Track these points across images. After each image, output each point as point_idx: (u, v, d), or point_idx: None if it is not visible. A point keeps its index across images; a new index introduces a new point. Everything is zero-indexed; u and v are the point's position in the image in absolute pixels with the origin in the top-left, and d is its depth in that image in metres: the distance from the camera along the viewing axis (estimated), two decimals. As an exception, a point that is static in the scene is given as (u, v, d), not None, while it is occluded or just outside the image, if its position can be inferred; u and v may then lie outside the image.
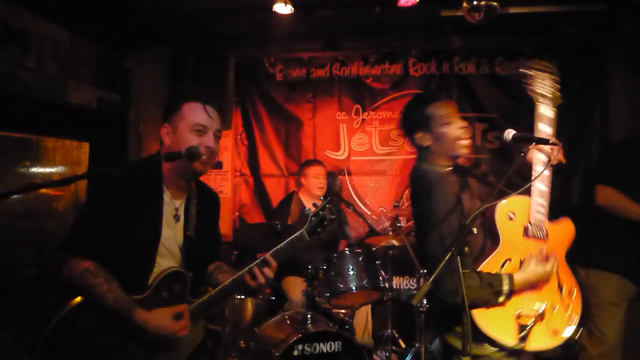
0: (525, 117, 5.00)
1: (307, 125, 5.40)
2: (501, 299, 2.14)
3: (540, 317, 2.19)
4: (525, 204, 2.28)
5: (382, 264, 3.94)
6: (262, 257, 2.14)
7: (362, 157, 5.34)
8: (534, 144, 2.21)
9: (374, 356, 4.14)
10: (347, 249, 3.79)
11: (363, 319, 4.27)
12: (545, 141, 2.20)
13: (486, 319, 2.17)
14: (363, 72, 5.32)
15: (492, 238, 2.31)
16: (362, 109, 5.33)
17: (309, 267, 3.70)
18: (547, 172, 2.26)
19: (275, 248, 2.17)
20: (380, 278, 3.78)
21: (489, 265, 2.22)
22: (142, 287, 2.07)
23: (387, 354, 4.03)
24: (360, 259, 3.68)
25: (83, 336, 1.98)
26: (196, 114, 2.11)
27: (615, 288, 3.26)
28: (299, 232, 2.19)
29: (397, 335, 4.33)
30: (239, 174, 5.53)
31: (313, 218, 2.21)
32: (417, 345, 3.91)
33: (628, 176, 3.14)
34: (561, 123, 5.14)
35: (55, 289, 2.13)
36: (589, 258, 3.36)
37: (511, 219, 2.27)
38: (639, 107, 4.71)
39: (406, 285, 5.05)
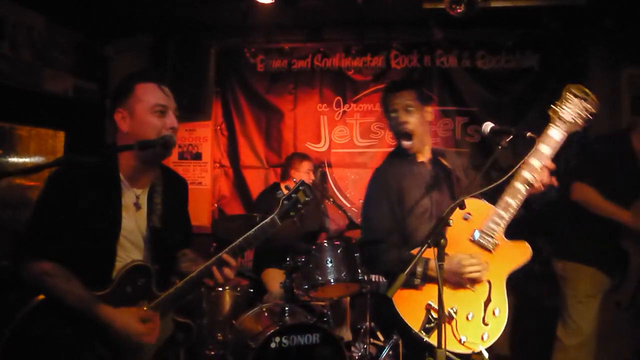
0: (505, 111, 5.09)
1: (288, 117, 5.36)
2: (417, 281, 2.18)
3: (449, 318, 2.18)
4: (485, 210, 2.29)
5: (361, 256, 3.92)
6: (218, 256, 2.03)
7: (342, 150, 5.32)
8: (511, 137, 2.20)
9: (352, 348, 4.14)
10: (325, 241, 3.77)
11: (342, 311, 4.27)
12: (522, 135, 2.20)
13: (401, 301, 2.21)
14: (344, 63, 5.28)
15: None
16: (343, 101, 5.30)
17: (288, 259, 3.68)
18: (522, 191, 2.24)
19: (232, 245, 2.05)
20: (359, 270, 3.76)
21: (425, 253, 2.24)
22: (106, 282, 1.99)
23: (365, 347, 4.03)
24: (339, 251, 3.67)
25: (48, 334, 1.91)
26: (154, 94, 2.02)
27: (591, 280, 3.29)
28: (270, 217, 2.09)
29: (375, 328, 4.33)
30: (218, 165, 5.47)
31: (285, 202, 2.10)
32: (395, 337, 3.91)
33: (603, 173, 3.18)
34: (541, 117, 5.22)
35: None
36: (566, 251, 3.41)
37: (466, 219, 2.29)
38: (618, 102, 4.76)
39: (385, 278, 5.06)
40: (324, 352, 3.39)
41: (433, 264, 2.17)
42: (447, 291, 2.22)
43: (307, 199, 2.11)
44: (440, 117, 5.17)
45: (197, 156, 5.42)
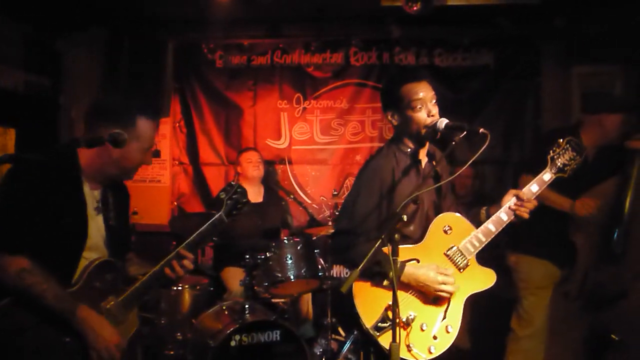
0: (462, 107, 5.17)
1: (247, 114, 5.33)
2: (386, 282, 2.19)
3: (406, 324, 2.21)
4: (466, 229, 2.34)
5: (321, 253, 3.94)
6: (176, 251, 2.16)
7: (303, 146, 5.32)
8: (465, 132, 2.22)
9: (314, 344, 4.15)
10: (285, 238, 3.77)
11: (304, 308, 4.28)
12: (475, 131, 2.23)
13: (362, 293, 2.22)
14: (304, 60, 5.28)
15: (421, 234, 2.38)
16: (303, 97, 5.30)
17: (247, 256, 3.66)
18: (505, 218, 2.33)
19: (188, 240, 2.20)
20: (319, 267, 3.78)
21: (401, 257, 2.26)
22: (67, 282, 1.98)
23: (327, 342, 4.05)
24: (299, 247, 3.68)
25: (14, 335, 1.87)
26: (150, 135, 2.12)
27: (542, 272, 3.39)
28: (218, 214, 2.28)
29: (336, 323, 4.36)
30: (177, 162, 5.40)
31: (228, 201, 2.31)
32: (355, 333, 3.95)
33: None
34: (496, 113, 5.37)
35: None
36: (519, 244, 3.49)
37: (446, 232, 2.33)
38: (569, 99, 4.91)
39: (346, 273, 5.08)
40: (284, 349, 3.39)
41: (409, 270, 2.20)
42: (409, 297, 2.26)
43: (244, 200, 2.34)
44: (399, 113, 5.21)
45: (156, 153, 5.31)
